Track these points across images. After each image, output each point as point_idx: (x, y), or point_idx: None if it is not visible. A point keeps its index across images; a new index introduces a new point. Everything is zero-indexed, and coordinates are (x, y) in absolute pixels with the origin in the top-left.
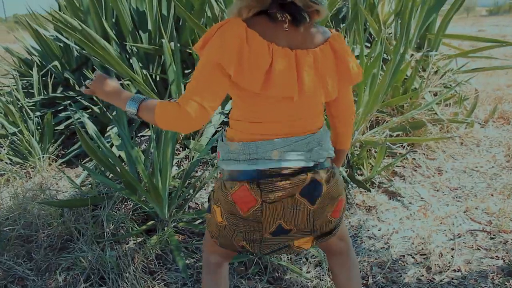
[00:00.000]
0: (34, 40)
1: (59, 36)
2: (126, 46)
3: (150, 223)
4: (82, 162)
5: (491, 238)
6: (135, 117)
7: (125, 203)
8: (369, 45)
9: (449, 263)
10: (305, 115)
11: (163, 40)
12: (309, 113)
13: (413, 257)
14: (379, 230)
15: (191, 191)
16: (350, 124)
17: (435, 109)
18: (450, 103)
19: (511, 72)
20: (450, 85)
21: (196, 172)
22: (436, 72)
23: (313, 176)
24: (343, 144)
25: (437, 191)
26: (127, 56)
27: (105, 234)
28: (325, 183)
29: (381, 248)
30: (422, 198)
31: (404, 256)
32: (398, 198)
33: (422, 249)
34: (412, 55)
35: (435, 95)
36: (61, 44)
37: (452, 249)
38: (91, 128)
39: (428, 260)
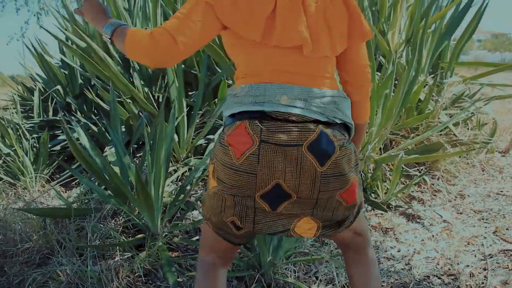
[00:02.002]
0: (40, 67)
1: (64, 58)
2: (130, 69)
3: (139, 236)
4: (77, 182)
5: None
6: (110, 42)
7: (116, 218)
8: (378, 73)
9: (482, 283)
10: (315, 72)
11: None
12: (318, 70)
13: (439, 278)
14: (398, 251)
15: (185, 204)
16: (365, 92)
17: (452, 130)
18: (468, 127)
19: None
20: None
21: (196, 192)
22: (451, 98)
23: (323, 129)
24: (360, 117)
25: (461, 213)
26: (130, 78)
27: (88, 245)
28: (338, 145)
29: (402, 269)
30: (444, 220)
31: (429, 277)
32: (418, 220)
33: (449, 269)
34: (425, 78)
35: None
36: (66, 72)
37: (485, 269)
38: (84, 139)
39: (457, 281)
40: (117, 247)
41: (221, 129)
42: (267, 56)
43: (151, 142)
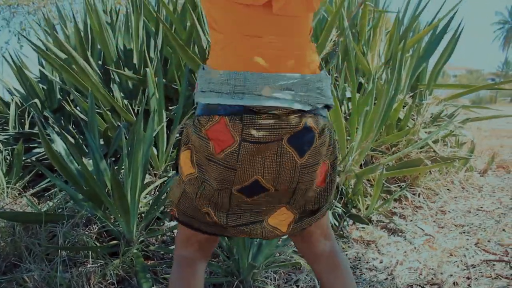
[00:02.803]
0: (18, 81)
1: (42, 69)
2: (110, 83)
3: (113, 242)
4: (51, 195)
5: (511, 268)
6: None
7: (89, 226)
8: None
9: None
10: (293, 36)
11: (147, 69)
12: (298, 34)
13: (423, 287)
14: (380, 262)
15: (161, 212)
16: None
17: (432, 146)
18: (447, 145)
19: (502, 138)
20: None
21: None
22: (430, 117)
23: (307, 121)
24: None
25: (442, 227)
26: (110, 92)
27: (59, 252)
28: (317, 133)
29: (385, 279)
30: (426, 233)
31: (412, 286)
32: (399, 233)
33: (433, 279)
34: (404, 97)
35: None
36: (45, 87)
37: (468, 278)
38: (60, 146)
39: None
40: (90, 254)
41: (194, 115)
42: (238, 15)
43: (129, 148)
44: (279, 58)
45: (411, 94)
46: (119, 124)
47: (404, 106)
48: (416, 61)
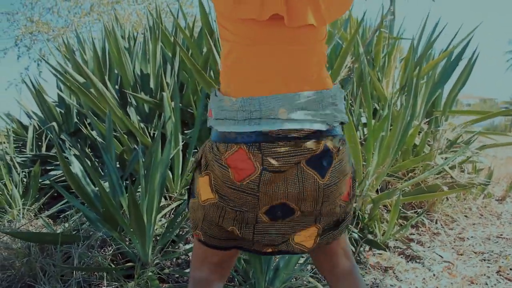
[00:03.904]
0: (37, 104)
1: (60, 93)
2: (127, 107)
3: (128, 264)
4: (66, 216)
5: None
6: None
7: (104, 247)
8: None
9: None
10: (303, 48)
11: (164, 94)
12: (307, 44)
13: None
14: None
15: (181, 242)
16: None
17: (449, 172)
18: (464, 170)
19: None
20: (462, 155)
21: (188, 226)
22: (446, 143)
23: (327, 143)
24: None
25: (461, 254)
26: (127, 115)
27: (74, 273)
28: (335, 153)
29: None
30: (444, 260)
31: None
32: (417, 260)
33: None
34: (420, 123)
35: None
36: (62, 110)
37: None
38: (77, 167)
39: None
40: (105, 276)
41: (211, 141)
42: (249, 30)
43: (145, 170)
44: (292, 77)
45: (427, 120)
46: (136, 147)
47: (419, 133)
48: (431, 87)
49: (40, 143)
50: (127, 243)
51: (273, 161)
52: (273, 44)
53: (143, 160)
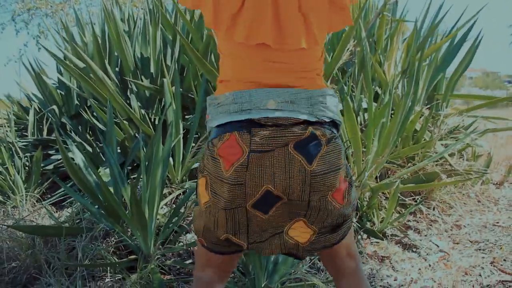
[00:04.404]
0: (37, 87)
1: (60, 77)
2: (127, 91)
3: (131, 257)
4: (70, 202)
5: None
6: None
7: (107, 238)
8: (375, 104)
9: None
10: (296, 68)
11: (164, 79)
12: (299, 65)
13: None
14: (395, 280)
15: (183, 232)
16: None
17: (448, 160)
18: (463, 158)
19: None
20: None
21: (190, 215)
22: (445, 129)
23: (314, 131)
24: None
25: (457, 243)
26: (127, 100)
27: (78, 264)
28: (324, 142)
29: None
30: (441, 249)
31: None
32: (414, 249)
33: None
34: (421, 109)
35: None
36: (63, 92)
37: None
38: (78, 156)
39: None
40: (108, 268)
41: (208, 141)
42: (245, 53)
43: (147, 162)
44: (282, 77)
45: (428, 106)
46: (137, 135)
47: (421, 117)
48: (434, 71)
49: (41, 126)
50: (129, 234)
51: (259, 141)
52: (265, 62)
53: (144, 150)
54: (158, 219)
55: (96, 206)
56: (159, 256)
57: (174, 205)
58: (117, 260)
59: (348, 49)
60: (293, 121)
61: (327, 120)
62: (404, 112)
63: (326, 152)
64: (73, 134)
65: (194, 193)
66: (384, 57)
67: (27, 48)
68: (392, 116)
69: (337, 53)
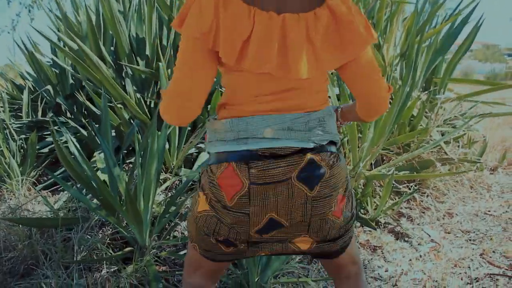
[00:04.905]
0: (30, 66)
1: (55, 58)
2: (123, 73)
3: (127, 249)
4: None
5: None
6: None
7: (103, 228)
8: None
9: None
10: (300, 92)
11: (160, 64)
12: (305, 89)
13: None
14: (385, 271)
15: (176, 220)
16: (371, 108)
17: (443, 147)
18: (459, 145)
19: None
20: (458, 126)
21: (186, 200)
22: (443, 114)
23: (312, 156)
24: (363, 119)
25: (448, 233)
26: (122, 82)
27: (75, 258)
28: (326, 166)
29: None
30: (432, 239)
31: None
32: (406, 238)
33: None
34: (418, 95)
35: (443, 135)
36: (57, 71)
37: None
38: (73, 145)
39: None
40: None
41: (207, 165)
42: (248, 80)
43: (141, 153)
44: (281, 104)
45: (426, 92)
46: (132, 121)
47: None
48: (433, 54)
49: (35, 104)
50: (125, 224)
51: (260, 174)
52: (266, 88)
53: (140, 139)
54: (153, 207)
55: (90, 195)
56: (154, 247)
57: (169, 193)
58: (113, 251)
59: None
60: (291, 150)
61: (325, 143)
62: (401, 100)
63: (330, 177)
64: (68, 115)
65: (190, 184)
66: (383, 39)
67: (19, 18)
68: (390, 102)
69: None
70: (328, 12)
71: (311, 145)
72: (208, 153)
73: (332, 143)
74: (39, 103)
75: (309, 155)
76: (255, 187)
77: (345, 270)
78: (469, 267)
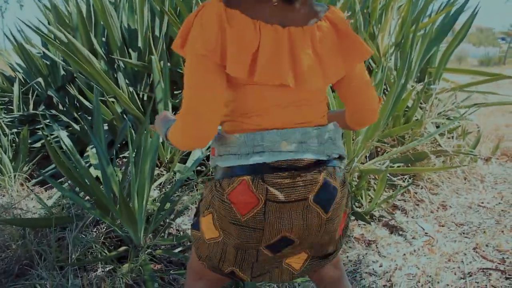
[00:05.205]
0: (19, 57)
1: (45, 51)
2: (115, 65)
3: (122, 248)
4: (58, 181)
5: (507, 278)
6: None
7: (98, 226)
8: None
9: None
10: (310, 104)
11: (152, 57)
12: (312, 100)
13: None
14: (380, 266)
15: (171, 216)
16: (366, 120)
17: (438, 140)
18: (453, 136)
19: (508, 114)
20: (453, 118)
21: (179, 196)
22: (438, 106)
23: (326, 177)
24: (350, 127)
25: (442, 226)
26: (114, 74)
27: (70, 259)
28: (339, 186)
29: (383, 286)
30: (426, 233)
31: None
32: (400, 232)
33: None
34: (413, 86)
35: (437, 127)
36: (48, 62)
37: None
38: (66, 142)
39: None
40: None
41: (215, 180)
42: (258, 94)
43: (135, 150)
44: (292, 116)
45: (421, 84)
46: (125, 116)
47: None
48: (428, 44)
49: (26, 96)
50: (119, 223)
51: (276, 193)
52: (279, 102)
53: (133, 134)
54: (148, 206)
55: (82, 192)
56: (149, 246)
57: (164, 189)
58: (108, 249)
59: None
60: (306, 162)
61: (336, 156)
62: (396, 92)
63: (340, 198)
64: (60, 107)
65: (185, 182)
66: (378, 29)
67: (7, 4)
68: (385, 94)
69: None
70: (329, 24)
71: (324, 157)
72: (215, 168)
73: (340, 157)
74: (30, 96)
75: (323, 175)
76: (272, 204)
77: (326, 275)
78: (462, 262)
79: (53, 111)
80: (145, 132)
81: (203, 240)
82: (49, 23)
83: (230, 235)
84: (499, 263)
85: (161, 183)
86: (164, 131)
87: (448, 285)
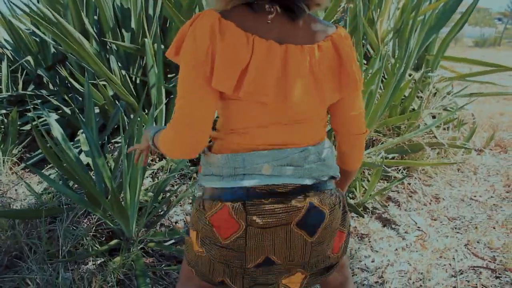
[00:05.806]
0: (7, 33)
1: (35, 30)
2: (107, 46)
3: (113, 242)
4: (47, 167)
5: (497, 277)
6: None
7: (88, 216)
8: (365, 62)
9: None
10: (301, 126)
11: (145, 40)
12: (306, 123)
13: None
14: (372, 262)
15: (164, 207)
16: (354, 143)
17: (434, 132)
18: (448, 127)
19: (502, 101)
20: (449, 108)
21: (173, 186)
22: (435, 94)
23: (312, 201)
24: (347, 164)
25: (435, 220)
26: (106, 55)
27: (60, 252)
28: (327, 210)
29: (375, 282)
30: (418, 227)
31: None
32: (393, 226)
33: (421, 286)
34: (411, 74)
35: (434, 117)
36: (38, 39)
37: (454, 287)
38: (56, 129)
39: None
40: (90, 251)
41: (200, 199)
42: (246, 110)
43: (127, 141)
44: (278, 136)
45: (419, 72)
46: (117, 102)
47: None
48: (427, 31)
49: (15, 75)
50: (110, 215)
51: (258, 220)
52: (263, 121)
53: (126, 120)
54: (140, 197)
55: (72, 182)
56: (141, 240)
57: (156, 178)
58: (99, 241)
59: (340, 6)
60: (291, 187)
61: (325, 179)
62: (395, 82)
63: (329, 221)
64: (50, 87)
65: (177, 174)
66: (377, 14)
67: None
68: (382, 82)
69: (329, 11)
70: (331, 45)
71: (311, 181)
72: (200, 185)
73: (332, 178)
74: (19, 75)
75: (308, 200)
76: (252, 229)
77: (332, 280)
78: (453, 259)
79: (43, 91)
80: (138, 119)
81: (192, 249)
82: (38, 1)
83: (213, 255)
84: (489, 261)
85: (153, 171)
86: (151, 135)
87: (438, 283)
